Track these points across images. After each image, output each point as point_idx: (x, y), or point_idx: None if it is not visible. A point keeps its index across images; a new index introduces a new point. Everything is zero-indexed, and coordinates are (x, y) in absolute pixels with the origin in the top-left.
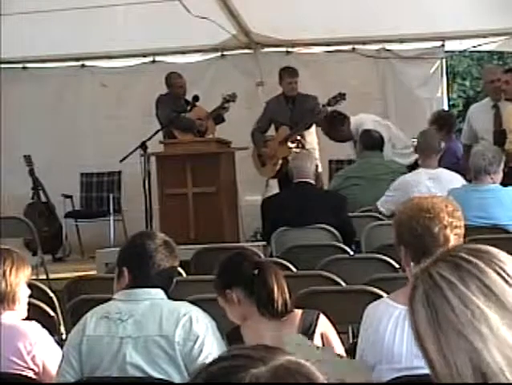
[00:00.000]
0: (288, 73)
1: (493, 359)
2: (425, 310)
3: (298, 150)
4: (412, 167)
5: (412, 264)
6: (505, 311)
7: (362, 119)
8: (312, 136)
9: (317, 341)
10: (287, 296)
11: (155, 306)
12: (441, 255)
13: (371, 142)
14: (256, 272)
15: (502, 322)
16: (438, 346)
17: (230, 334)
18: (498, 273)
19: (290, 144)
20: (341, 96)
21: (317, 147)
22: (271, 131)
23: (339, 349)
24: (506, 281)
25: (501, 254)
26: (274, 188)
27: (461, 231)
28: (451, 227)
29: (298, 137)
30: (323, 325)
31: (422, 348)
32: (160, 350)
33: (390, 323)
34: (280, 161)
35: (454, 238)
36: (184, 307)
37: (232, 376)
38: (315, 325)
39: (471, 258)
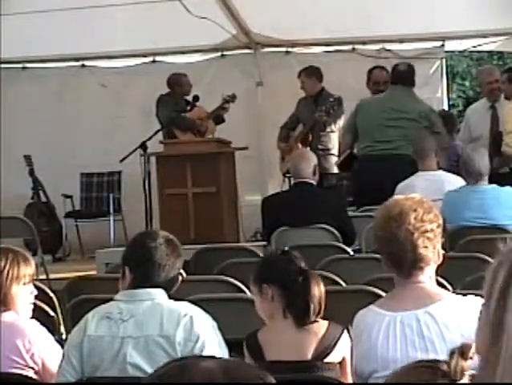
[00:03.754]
0: (301, 72)
1: None
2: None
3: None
4: None
5: (385, 268)
6: None
7: None
8: (328, 137)
9: (333, 357)
10: (322, 308)
11: (156, 306)
12: None
13: None
14: (300, 279)
15: None
16: (503, 308)
17: (248, 339)
18: None
19: (298, 144)
20: (337, 101)
21: (333, 148)
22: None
23: (347, 377)
24: None
25: None
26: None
27: (434, 234)
28: (418, 232)
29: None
30: (345, 345)
31: (485, 313)
32: (161, 351)
33: (381, 332)
34: None
35: (424, 242)
36: (185, 307)
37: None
38: (338, 339)
39: None
